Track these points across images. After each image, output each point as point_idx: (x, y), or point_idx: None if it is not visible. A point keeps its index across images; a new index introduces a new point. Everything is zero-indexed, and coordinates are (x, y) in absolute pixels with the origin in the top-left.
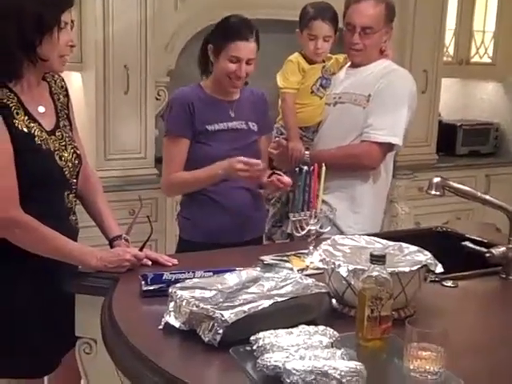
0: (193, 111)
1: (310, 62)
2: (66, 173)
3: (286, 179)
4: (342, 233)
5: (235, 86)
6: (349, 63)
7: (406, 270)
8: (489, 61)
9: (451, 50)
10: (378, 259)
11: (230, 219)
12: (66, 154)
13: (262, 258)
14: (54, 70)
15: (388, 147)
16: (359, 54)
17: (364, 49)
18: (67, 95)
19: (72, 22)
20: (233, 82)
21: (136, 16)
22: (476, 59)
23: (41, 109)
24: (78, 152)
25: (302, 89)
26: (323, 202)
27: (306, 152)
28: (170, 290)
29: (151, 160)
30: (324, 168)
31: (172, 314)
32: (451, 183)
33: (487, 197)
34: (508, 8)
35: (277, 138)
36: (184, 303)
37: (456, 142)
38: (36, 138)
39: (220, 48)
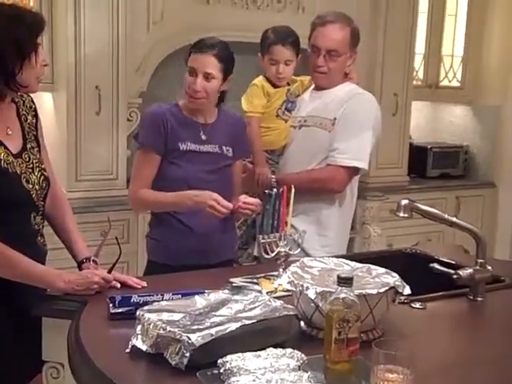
0: (166, 127)
1: (275, 85)
2: (33, 196)
3: (252, 200)
4: (308, 255)
5: (192, 101)
6: (313, 86)
7: (374, 292)
8: (457, 84)
9: (421, 74)
10: (345, 281)
11: (197, 242)
12: (33, 177)
13: (232, 280)
14: (30, 92)
15: (354, 171)
16: (323, 76)
17: (328, 71)
18: (36, 115)
19: (41, 39)
20: (190, 95)
21: (108, 37)
22: (445, 83)
23: (9, 131)
24: (46, 174)
25: (267, 112)
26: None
27: (273, 176)
28: (137, 313)
29: (123, 181)
30: (293, 190)
31: (139, 337)
32: (419, 205)
33: (454, 219)
34: (476, 33)
35: (243, 162)
36: (151, 326)
37: (427, 165)
38: (2, 162)
39: (186, 63)
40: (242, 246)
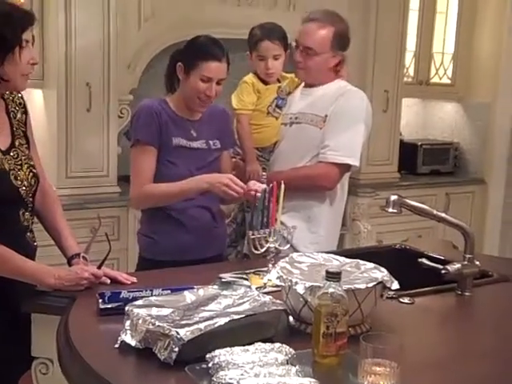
0: (160, 120)
1: (265, 82)
2: (22, 192)
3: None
4: (298, 252)
5: (204, 105)
6: (303, 83)
7: (362, 286)
8: (448, 81)
9: (411, 71)
10: (333, 276)
11: (190, 237)
12: (21, 174)
13: (221, 275)
14: (17, 89)
15: (345, 168)
16: (301, 72)
17: (306, 68)
18: (25, 112)
19: (33, 38)
20: (202, 101)
21: (99, 34)
22: (435, 80)
23: None
24: (35, 171)
25: (257, 110)
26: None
27: (264, 173)
28: (126, 309)
29: (114, 178)
30: (283, 186)
31: (128, 332)
32: (408, 201)
33: (443, 215)
34: (466, 30)
35: (233, 159)
36: (140, 321)
37: (417, 161)
38: None
39: (191, 67)
40: (231, 244)
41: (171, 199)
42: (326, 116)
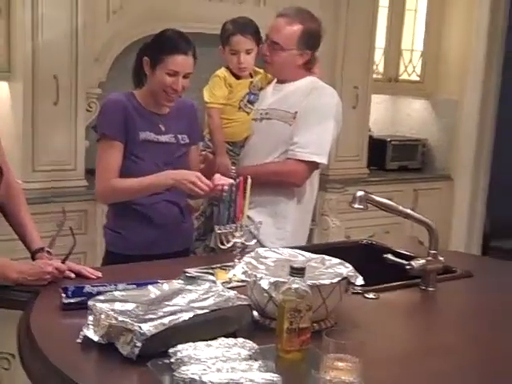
0: (127, 115)
1: (237, 77)
2: None
3: (227, 179)
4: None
5: (170, 99)
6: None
7: (327, 282)
8: (417, 78)
9: (381, 68)
10: (297, 272)
11: (156, 231)
12: None
13: (187, 270)
14: None
15: (314, 165)
16: (268, 66)
17: (272, 63)
18: None
19: None
20: (168, 95)
21: (67, 26)
22: (404, 77)
23: None
24: None
25: (229, 104)
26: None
27: (233, 167)
28: (89, 303)
29: (81, 172)
30: (250, 181)
31: (91, 327)
32: (374, 197)
33: (408, 211)
34: (435, 28)
35: (203, 152)
36: (103, 316)
37: (386, 157)
38: None
39: (157, 61)
40: (200, 238)
41: (137, 194)
42: (296, 112)
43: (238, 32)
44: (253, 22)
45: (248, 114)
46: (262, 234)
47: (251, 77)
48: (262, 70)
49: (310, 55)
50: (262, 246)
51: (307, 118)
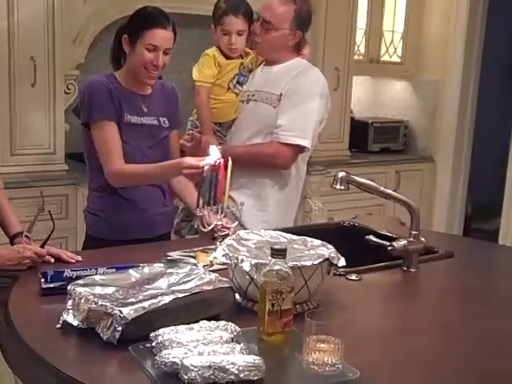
0: (112, 96)
1: (228, 57)
2: None
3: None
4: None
5: (151, 76)
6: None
7: (308, 263)
8: (398, 60)
9: (362, 49)
10: (278, 253)
11: (138, 215)
12: None
13: (168, 253)
14: None
15: (298, 149)
16: (258, 47)
17: (262, 43)
18: None
19: None
20: (149, 72)
21: (43, 5)
22: (386, 58)
23: None
24: None
25: (218, 84)
26: (229, 197)
27: (219, 147)
28: (68, 288)
29: (61, 155)
30: (231, 162)
31: (70, 312)
32: (355, 178)
33: (389, 191)
34: (416, 9)
35: (191, 131)
36: (83, 301)
37: (368, 139)
38: None
39: (136, 37)
40: (185, 219)
41: (146, 182)
42: (281, 95)
43: (230, 12)
44: (246, 2)
45: (236, 95)
46: (245, 216)
47: (242, 58)
48: (252, 51)
49: (300, 36)
50: (245, 228)
51: (291, 101)
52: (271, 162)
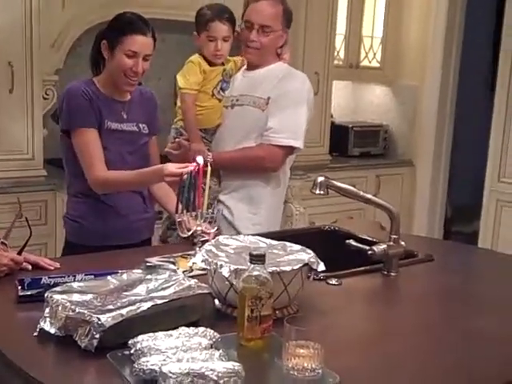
0: (92, 103)
1: (211, 64)
2: None
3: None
4: (239, 234)
5: (131, 83)
6: (245, 65)
7: (288, 269)
8: (377, 65)
9: (342, 54)
10: (257, 259)
11: (119, 221)
12: None
13: (148, 259)
14: None
15: (289, 150)
16: (255, 52)
17: (260, 47)
18: None
19: None
20: (129, 78)
21: (21, 10)
22: (365, 63)
23: None
24: None
25: (202, 91)
26: (220, 201)
27: (209, 153)
28: (45, 295)
29: (39, 161)
30: (209, 168)
31: (47, 319)
32: (335, 183)
33: (369, 196)
34: (395, 14)
35: (177, 139)
36: (60, 308)
37: (348, 144)
38: None
39: (115, 42)
40: (171, 227)
41: (128, 188)
42: (269, 98)
43: (216, 18)
44: (229, 9)
45: (220, 101)
46: (237, 220)
47: (223, 64)
48: (231, 58)
49: (287, 36)
50: (237, 231)
51: (280, 103)
52: (262, 164)
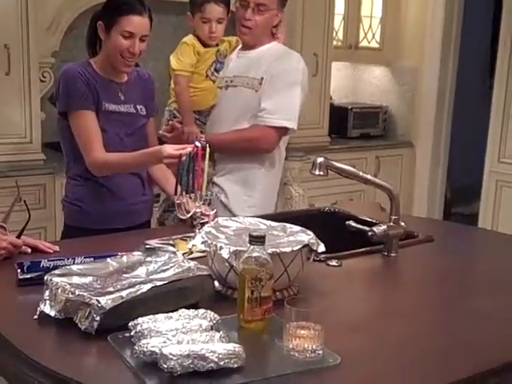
0: (89, 85)
1: (205, 45)
2: None
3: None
4: (235, 216)
5: (128, 64)
6: (240, 46)
7: (288, 250)
8: (376, 46)
9: (340, 35)
10: (256, 240)
11: (117, 204)
12: None
13: (147, 242)
14: None
15: (283, 131)
16: (250, 32)
17: (255, 26)
18: None
19: None
20: (125, 59)
21: None
22: (364, 44)
23: None
24: None
25: (196, 72)
26: (215, 184)
27: (202, 135)
28: (45, 278)
29: (38, 144)
30: (208, 149)
31: (47, 302)
32: (334, 163)
33: (368, 176)
34: None
35: (170, 122)
36: (60, 291)
37: (347, 125)
38: None
39: (112, 23)
40: (169, 208)
41: (127, 170)
42: (263, 78)
43: (211, 0)
44: None
45: (214, 82)
46: (233, 202)
47: (217, 45)
48: (226, 38)
49: (281, 15)
50: (233, 214)
51: (275, 84)
52: (256, 145)
